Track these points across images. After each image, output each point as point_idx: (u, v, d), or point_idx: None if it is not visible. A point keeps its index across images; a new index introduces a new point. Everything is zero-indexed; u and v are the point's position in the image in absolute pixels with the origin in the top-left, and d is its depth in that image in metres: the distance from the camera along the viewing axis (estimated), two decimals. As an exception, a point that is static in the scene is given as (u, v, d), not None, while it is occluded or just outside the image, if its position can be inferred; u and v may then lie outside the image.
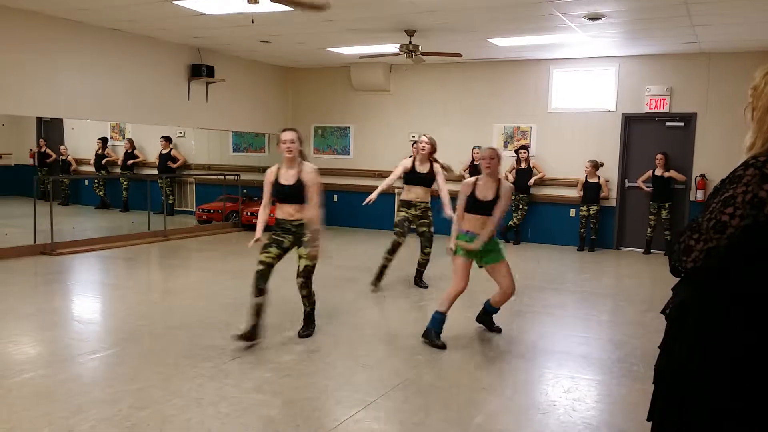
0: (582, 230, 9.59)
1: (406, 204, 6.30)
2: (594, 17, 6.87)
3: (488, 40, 8.35)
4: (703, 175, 8.95)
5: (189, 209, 11.75)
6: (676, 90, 9.15)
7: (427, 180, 6.25)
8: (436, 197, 6.21)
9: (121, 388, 3.67)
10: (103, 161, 12.11)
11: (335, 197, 11.53)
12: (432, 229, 6.37)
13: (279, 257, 4.54)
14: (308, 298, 4.77)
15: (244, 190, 11.02)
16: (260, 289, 4.42)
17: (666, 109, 9.20)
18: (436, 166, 6.23)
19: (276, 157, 5.02)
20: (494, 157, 4.61)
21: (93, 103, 8.40)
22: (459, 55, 8.62)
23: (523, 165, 9.83)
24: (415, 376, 4.05)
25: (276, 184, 4.57)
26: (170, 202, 11.47)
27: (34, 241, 8.09)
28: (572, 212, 9.88)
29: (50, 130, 12.73)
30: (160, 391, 3.63)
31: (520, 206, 9.90)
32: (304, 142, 4.75)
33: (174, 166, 11.39)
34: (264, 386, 3.78)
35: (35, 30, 7.60)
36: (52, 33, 7.81)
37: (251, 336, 4.42)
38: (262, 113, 11.18)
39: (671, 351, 1.82)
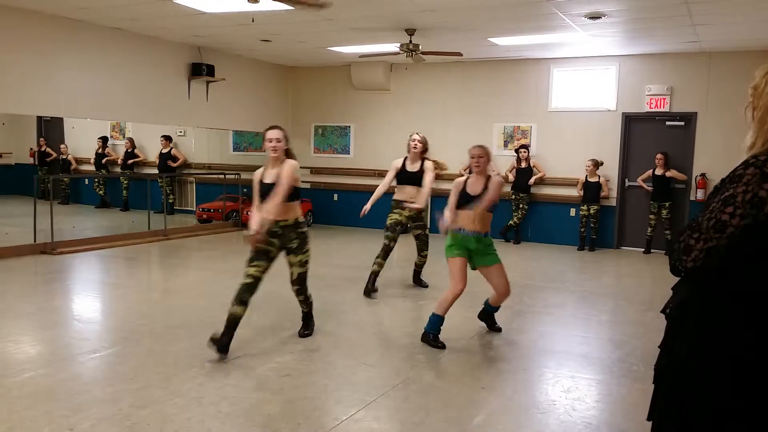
0: (582, 230, 9.59)
1: (399, 204, 6.21)
2: (594, 16, 6.87)
3: (489, 39, 8.34)
4: (703, 175, 8.95)
5: (189, 208, 11.76)
6: (676, 89, 9.14)
7: (417, 179, 6.15)
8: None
9: (122, 387, 3.67)
10: (104, 160, 12.12)
11: (335, 196, 11.54)
12: (427, 231, 6.35)
13: (266, 270, 4.35)
14: (305, 301, 4.74)
15: (245, 190, 11.02)
16: (243, 301, 4.22)
17: (666, 109, 9.20)
18: (426, 163, 6.16)
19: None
20: (483, 155, 4.61)
21: (93, 102, 8.40)
22: (459, 54, 8.61)
23: (524, 164, 9.83)
24: (415, 375, 4.05)
25: (260, 183, 4.45)
26: (170, 201, 11.48)
27: (35, 240, 8.09)
28: (572, 212, 9.87)
29: (50, 129, 12.75)
30: (160, 391, 3.63)
31: (521, 206, 9.90)
32: (290, 140, 4.54)
33: (174, 165, 11.39)
34: (264, 385, 3.78)
35: (35, 29, 7.60)
36: (52, 32, 7.80)
37: (223, 347, 4.16)
38: (262, 112, 11.17)
39: (671, 350, 1.82)
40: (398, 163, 6.27)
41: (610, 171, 9.57)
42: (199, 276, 7.31)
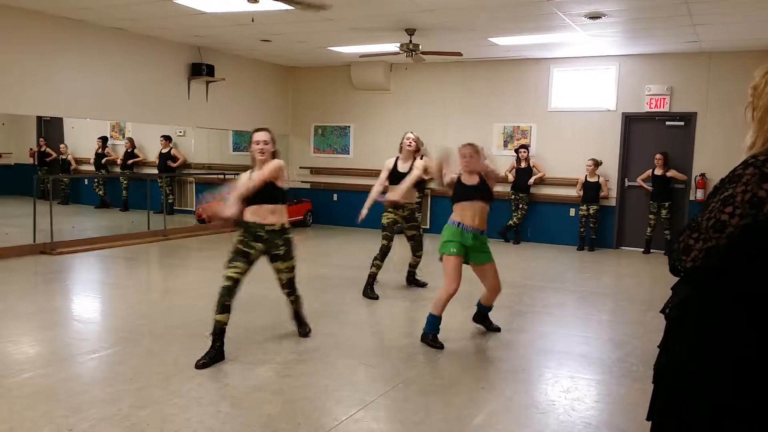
0: (582, 230, 9.59)
1: (393, 204, 6.14)
2: (594, 16, 6.87)
3: (488, 39, 8.34)
4: (703, 175, 8.95)
5: (189, 208, 11.75)
6: (676, 89, 9.14)
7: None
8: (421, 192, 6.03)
9: (121, 388, 3.67)
10: (103, 160, 12.10)
11: (335, 196, 11.53)
12: (421, 231, 6.34)
13: (246, 273, 4.19)
14: (296, 300, 4.66)
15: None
16: (226, 306, 4.12)
17: (666, 109, 9.20)
18: (417, 162, 6.13)
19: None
20: (473, 155, 4.60)
21: (93, 102, 8.40)
22: (459, 54, 8.61)
23: (523, 164, 9.83)
24: (415, 375, 4.04)
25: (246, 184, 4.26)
26: (170, 201, 11.47)
27: (34, 241, 8.08)
28: (572, 212, 9.87)
29: (50, 129, 12.72)
30: (160, 391, 3.63)
31: (520, 206, 9.90)
32: (277, 142, 4.48)
33: (174, 165, 11.38)
34: (264, 385, 3.78)
35: (35, 29, 7.60)
36: (53, 32, 7.80)
37: (216, 355, 4.09)
38: (262, 112, 11.17)
39: (671, 350, 1.82)
40: (390, 163, 6.24)
41: (610, 171, 9.58)
42: (199, 276, 7.31)
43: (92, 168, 12.31)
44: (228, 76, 10.15)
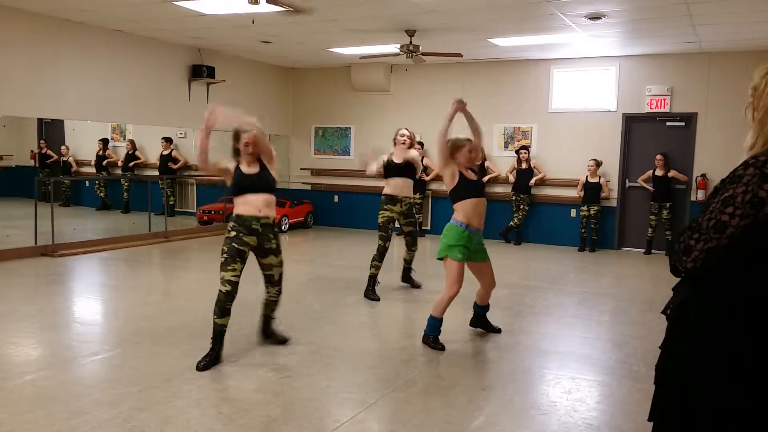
0: (583, 230, 9.59)
1: (390, 199, 6.10)
2: (594, 17, 6.87)
3: (489, 40, 8.35)
4: (703, 175, 8.95)
5: (190, 210, 11.76)
6: (676, 90, 9.14)
7: (403, 170, 6.08)
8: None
9: (123, 390, 3.67)
10: (104, 162, 12.12)
11: (336, 197, 11.53)
12: (417, 227, 6.31)
13: (241, 273, 4.16)
14: (276, 301, 4.51)
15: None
16: (227, 309, 4.12)
17: (666, 109, 9.20)
18: (411, 151, 6.12)
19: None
20: (478, 148, 4.70)
21: (94, 104, 8.41)
22: (459, 55, 8.62)
23: (524, 165, 9.83)
24: (416, 376, 4.04)
25: (237, 173, 4.20)
26: (171, 203, 11.48)
27: (35, 243, 8.09)
28: (573, 212, 9.87)
29: (51, 131, 12.74)
30: (161, 393, 3.63)
31: (521, 206, 9.90)
32: (277, 142, 4.57)
33: (175, 167, 11.39)
34: (265, 387, 3.78)
35: (36, 31, 7.61)
36: (53, 34, 7.81)
37: (215, 359, 4.10)
38: (262, 114, 11.16)
39: (672, 351, 1.82)
40: (384, 158, 6.20)
41: (611, 172, 9.57)
42: (200, 278, 7.31)
43: (93, 170, 12.33)
44: (229, 78, 10.16)
